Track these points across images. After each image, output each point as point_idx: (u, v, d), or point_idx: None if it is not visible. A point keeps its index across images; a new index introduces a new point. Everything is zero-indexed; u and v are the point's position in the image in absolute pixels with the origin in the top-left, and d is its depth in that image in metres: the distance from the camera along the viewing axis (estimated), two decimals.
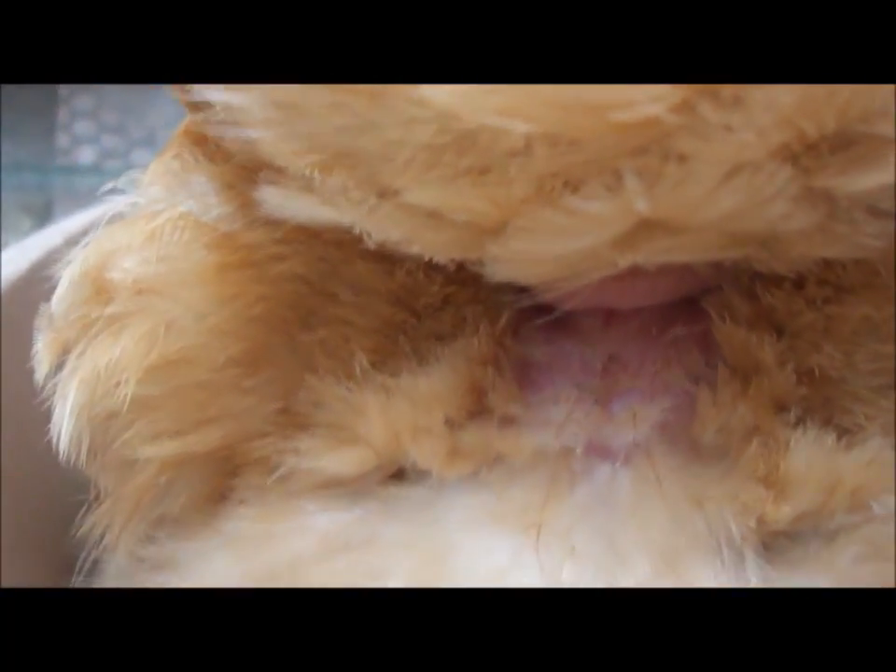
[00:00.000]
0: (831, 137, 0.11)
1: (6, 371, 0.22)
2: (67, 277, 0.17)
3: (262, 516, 0.15)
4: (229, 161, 0.16)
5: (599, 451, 0.14)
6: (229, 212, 0.16)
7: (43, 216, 0.70)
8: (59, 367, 0.17)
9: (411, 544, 0.14)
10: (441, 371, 0.15)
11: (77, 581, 0.17)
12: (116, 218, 0.17)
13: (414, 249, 0.13)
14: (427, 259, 0.13)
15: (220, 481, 0.16)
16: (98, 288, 0.16)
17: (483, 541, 0.14)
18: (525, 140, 0.11)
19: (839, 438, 0.14)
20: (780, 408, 0.14)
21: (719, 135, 0.11)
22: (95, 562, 0.18)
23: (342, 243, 0.14)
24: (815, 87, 0.11)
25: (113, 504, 0.17)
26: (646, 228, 0.12)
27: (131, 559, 0.16)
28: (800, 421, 0.14)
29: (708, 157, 0.11)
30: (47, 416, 0.17)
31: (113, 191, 0.18)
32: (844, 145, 0.12)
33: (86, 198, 0.24)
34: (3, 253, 0.25)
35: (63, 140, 0.76)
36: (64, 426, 0.17)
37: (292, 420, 0.16)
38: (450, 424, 0.15)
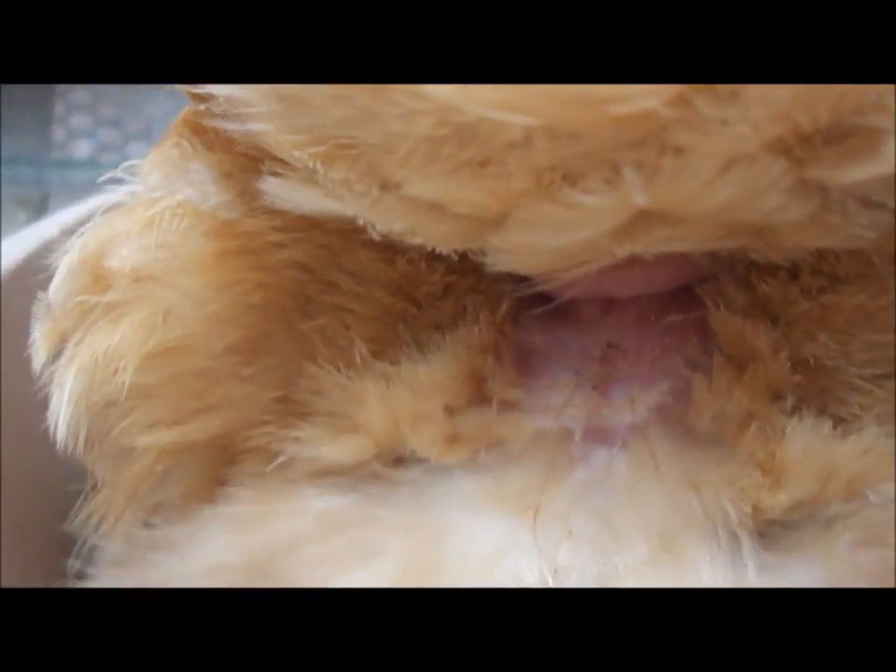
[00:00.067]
0: (825, 130, 0.12)
1: (2, 361, 0.22)
2: (65, 265, 0.17)
3: (260, 498, 0.15)
4: (228, 150, 0.16)
5: (597, 436, 0.15)
6: (227, 200, 0.16)
7: (39, 209, 0.69)
8: (56, 356, 0.17)
9: (407, 524, 0.14)
10: (442, 359, 0.15)
11: (74, 565, 0.17)
12: (113, 209, 0.17)
13: (418, 240, 0.13)
14: (429, 249, 0.13)
15: (218, 469, 0.16)
16: (96, 276, 0.16)
17: (480, 522, 0.14)
18: (524, 132, 0.12)
19: (835, 427, 0.14)
20: (775, 396, 0.14)
21: (715, 129, 0.11)
22: (92, 547, 0.18)
23: (343, 231, 0.14)
24: None
25: (109, 493, 0.18)
26: (643, 219, 0.12)
27: (127, 542, 0.16)
28: (796, 409, 0.14)
29: (705, 150, 0.11)
30: (44, 406, 0.17)
31: (111, 181, 0.18)
32: (838, 137, 0.12)
33: (82, 192, 0.24)
34: None
35: (59, 134, 0.75)
36: (62, 414, 0.17)
37: (291, 408, 0.16)
38: (449, 411, 0.15)
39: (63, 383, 0.17)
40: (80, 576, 0.17)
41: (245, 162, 0.15)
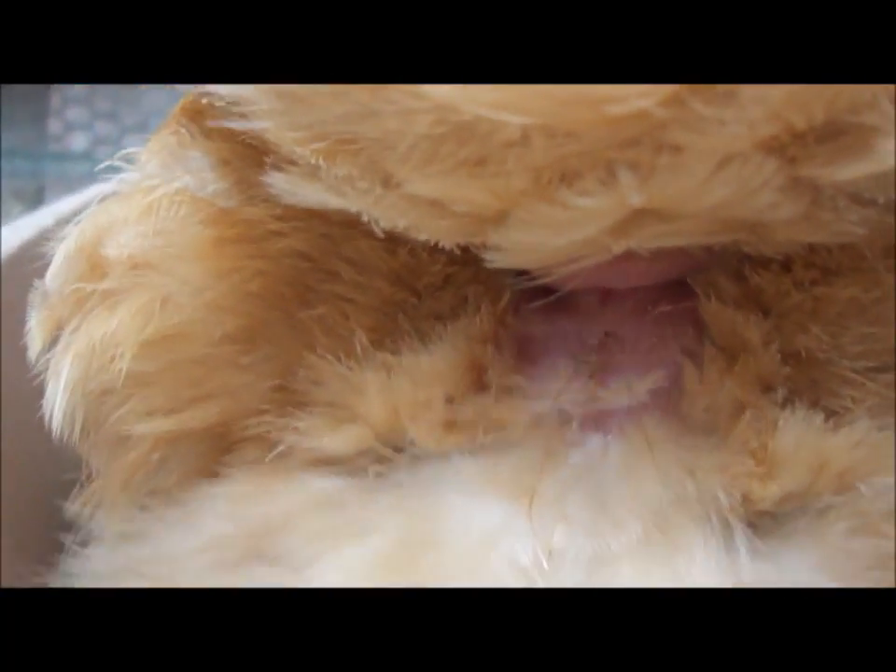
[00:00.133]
0: (819, 128, 0.12)
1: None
2: (62, 253, 0.17)
3: (258, 480, 0.15)
4: (226, 138, 0.16)
5: (594, 422, 0.15)
6: (225, 188, 0.16)
7: (35, 202, 0.69)
8: (52, 344, 0.17)
9: (404, 505, 0.14)
10: (443, 349, 0.15)
11: (69, 543, 0.17)
12: (110, 197, 0.17)
13: (422, 236, 0.13)
14: (432, 243, 0.14)
15: (215, 458, 0.16)
16: (93, 264, 0.16)
17: (477, 505, 0.14)
18: (522, 131, 0.12)
19: (827, 419, 0.14)
20: (766, 387, 0.14)
21: (709, 128, 0.11)
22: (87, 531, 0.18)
23: (345, 220, 0.14)
24: None
25: (105, 481, 0.17)
26: (639, 216, 0.12)
27: (124, 522, 0.16)
28: (788, 401, 0.14)
29: (700, 148, 0.12)
30: (40, 395, 0.17)
31: (108, 170, 0.18)
32: (831, 135, 0.12)
33: (78, 184, 0.24)
34: None
35: (55, 126, 0.75)
36: (58, 402, 0.17)
37: (290, 398, 0.16)
38: (449, 401, 0.15)
39: (60, 371, 0.17)
40: (75, 552, 0.17)
41: (242, 150, 0.15)
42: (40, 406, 0.17)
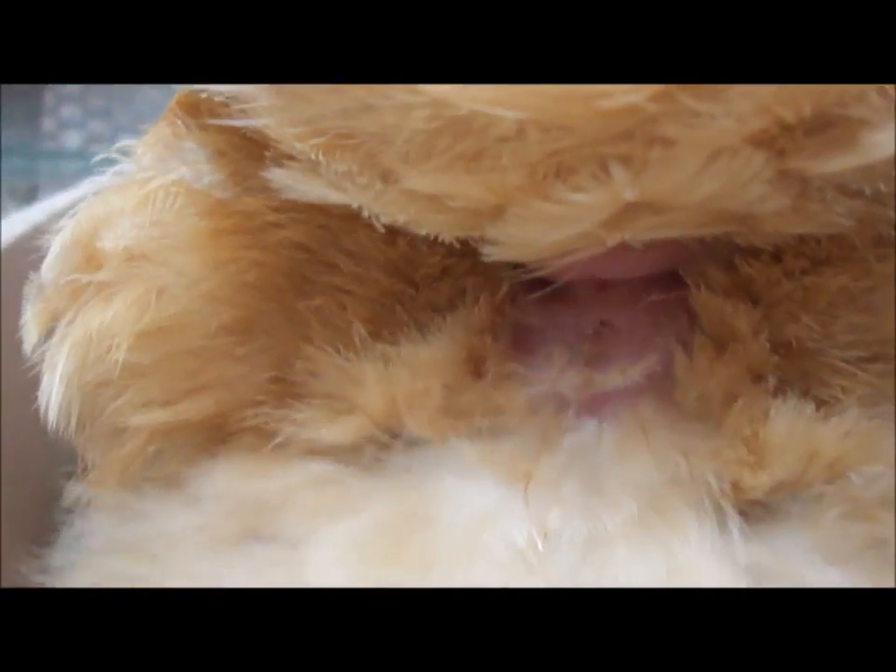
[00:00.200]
0: (807, 121, 0.12)
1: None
2: (58, 244, 0.17)
3: (256, 461, 0.15)
4: (221, 129, 0.16)
5: (589, 408, 0.15)
6: (220, 179, 0.16)
7: (28, 200, 0.69)
8: (47, 337, 0.17)
9: (400, 483, 0.14)
10: (441, 340, 0.15)
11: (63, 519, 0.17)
12: (106, 189, 0.17)
13: (422, 231, 0.14)
14: (432, 237, 0.14)
15: (212, 450, 0.16)
16: (88, 256, 0.16)
17: (473, 486, 0.14)
18: (516, 126, 0.12)
19: (817, 409, 0.14)
20: (756, 376, 0.15)
21: (699, 122, 0.12)
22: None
23: (344, 212, 0.14)
24: None
25: (100, 473, 0.18)
26: (632, 210, 0.12)
27: (120, 501, 0.16)
28: (779, 391, 0.14)
29: (690, 142, 0.12)
30: (33, 388, 0.17)
31: (103, 163, 0.18)
32: (820, 128, 0.12)
33: (72, 182, 0.24)
34: None
35: (49, 124, 0.75)
36: (54, 394, 0.17)
37: (287, 389, 0.16)
38: (447, 391, 0.15)
39: (55, 363, 0.17)
40: (69, 523, 0.17)
41: (238, 142, 0.15)
42: (36, 399, 0.17)
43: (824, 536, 0.13)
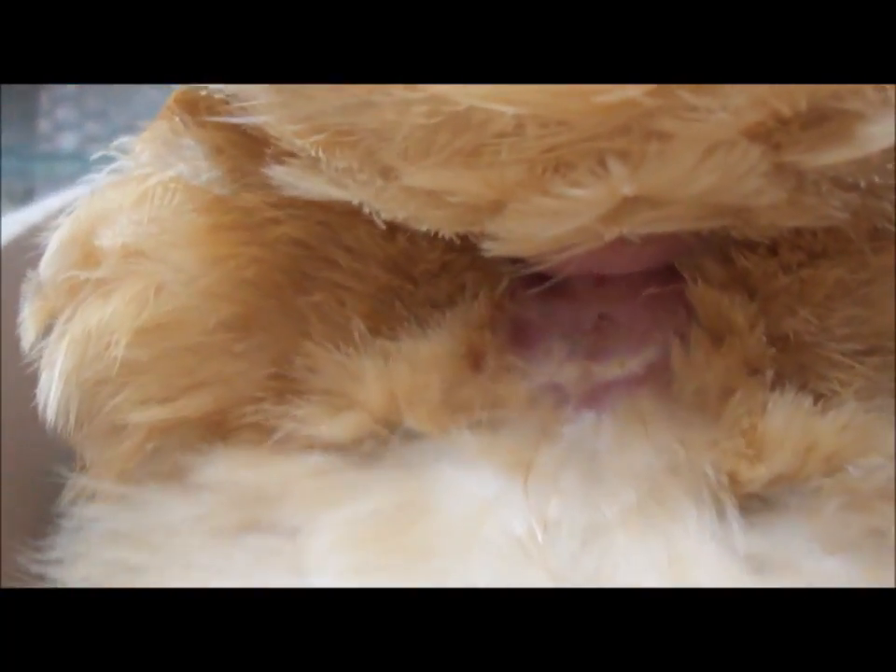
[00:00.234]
0: (803, 114, 0.12)
1: None
2: (56, 241, 0.17)
3: (256, 454, 0.15)
4: (219, 126, 0.16)
5: (589, 399, 0.15)
6: (218, 176, 0.16)
7: (25, 202, 0.69)
8: (45, 335, 0.17)
9: (400, 473, 0.14)
10: (441, 335, 0.15)
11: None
12: (104, 186, 0.17)
13: (422, 227, 0.14)
14: (432, 233, 0.14)
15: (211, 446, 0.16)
16: (86, 253, 0.16)
17: (473, 476, 0.14)
18: (515, 121, 0.12)
19: (815, 402, 0.14)
20: (753, 370, 0.15)
21: (696, 116, 0.12)
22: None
23: (344, 208, 0.14)
24: None
25: (98, 472, 0.17)
26: (630, 204, 0.12)
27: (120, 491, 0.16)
28: (777, 384, 0.14)
29: (687, 136, 0.12)
30: (31, 386, 0.17)
31: (101, 160, 0.18)
32: (815, 121, 0.12)
33: (68, 184, 0.24)
34: None
35: (44, 126, 0.75)
36: (52, 391, 0.17)
37: (286, 386, 0.16)
38: (447, 385, 0.15)
39: (54, 360, 0.17)
40: (69, 515, 0.17)
41: (236, 139, 0.15)
42: (34, 396, 0.17)
43: (823, 526, 0.13)
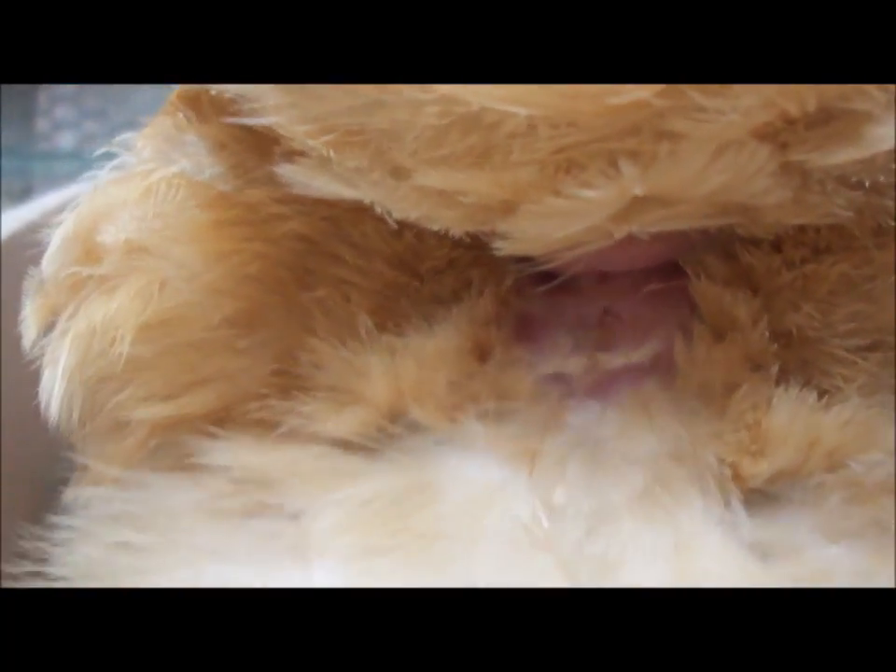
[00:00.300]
0: (810, 114, 0.12)
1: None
2: (58, 237, 0.17)
3: (260, 441, 0.15)
4: (223, 124, 0.16)
5: (594, 391, 0.15)
6: (221, 172, 0.16)
7: (22, 201, 0.68)
8: (47, 332, 0.17)
9: (406, 458, 0.14)
10: (447, 331, 0.15)
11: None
12: (106, 182, 0.17)
13: (434, 227, 0.14)
14: (443, 232, 0.14)
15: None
16: (88, 249, 0.16)
17: (479, 462, 0.14)
18: (527, 122, 0.12)
19: (819, 398, 0.14)
20: (756, 365, 0.15)
21: (706, 116, 0.12)
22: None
23: (352, 205, 0.14)
24: None
25: (101, 469, 0.17)
26: (640, 203, 0.13)
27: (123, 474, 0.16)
28: (782, 380, 0.15)
29: (697, 137, 0.12)
30: (32, 385, 0.17)
31: (102, 157, 0.18)
32: (822, 121, 0.12)
33: (66, 183, 0.24)
34: None
35: (43, 125, 0.75)
36: (55, 389, 0.17)
37: (291, 382, 0.16)
38: (454, 381, 0.15)
39: (57, 357, 0.17)
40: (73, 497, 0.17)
41: (240, 134, 0.15)
42: (36, 394, 0.17)
43: (825, 517, 0.13)
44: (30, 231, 0.18)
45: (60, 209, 0.17)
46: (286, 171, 0.14)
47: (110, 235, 0.16)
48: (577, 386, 0.15)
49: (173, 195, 0.16)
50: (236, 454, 0.15)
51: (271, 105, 0.13)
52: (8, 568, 0.15)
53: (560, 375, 0.15)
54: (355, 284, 0.16)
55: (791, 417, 0.14)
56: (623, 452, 0.14)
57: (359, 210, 0.14)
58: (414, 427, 0.15)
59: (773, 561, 0.13)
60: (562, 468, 0.14)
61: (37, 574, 0.15)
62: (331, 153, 0.13)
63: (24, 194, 0.71)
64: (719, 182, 0.12)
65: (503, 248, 0.13)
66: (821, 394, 0.15)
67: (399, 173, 0.13)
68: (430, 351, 0.15)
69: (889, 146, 0.12)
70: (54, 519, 0.15)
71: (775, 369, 0.14)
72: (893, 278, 0.14)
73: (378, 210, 0.14)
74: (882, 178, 0.13)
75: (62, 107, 0.75)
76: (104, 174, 0.17)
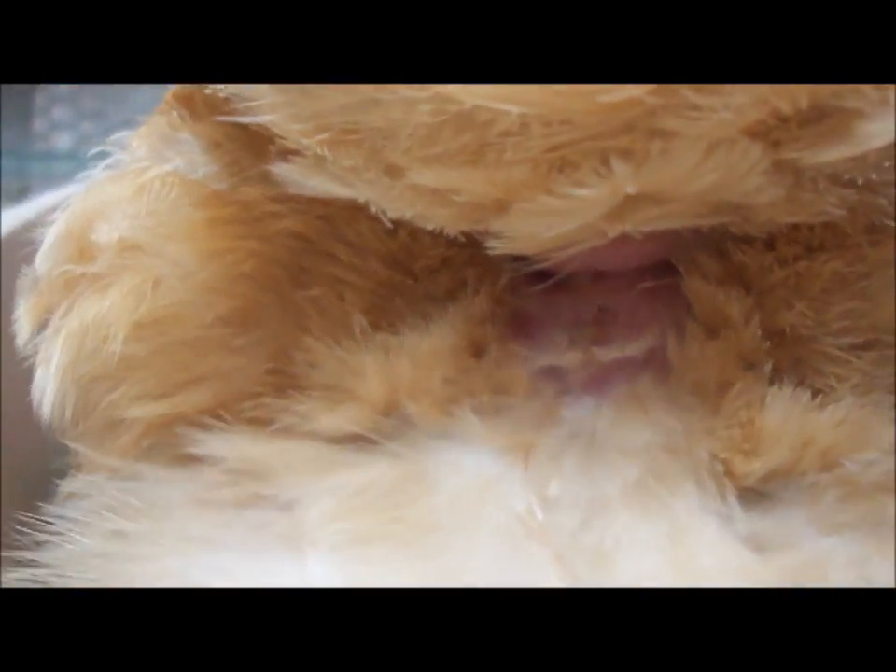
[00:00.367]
0: (802, 112, 0.12)
1: None
2: (52, 235, 0.17)
3: (255, 434, 0.15)
4: (217, 122, 0.16)
5: (589, 387, 0.15)
6: (215, 170, 0.16)
7: (20, 201, 0.68)
8: (40, 331, 0.17)
9: (401, 449, 0.14)
10: (442, 329, 0.15)
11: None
12: (100, 180, 0.17)
13: (429, 225, 0.14)
14: (438, 230, 0.14)
15: None
16: (82, 247, 0.16)
17: (474, 454, 0.14)
18: (520, 120, 0.12)
19: (813, 398, 0.14)
20: (748, 364, 0.15)
21: (699, 114, 0.12)
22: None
23: (346, 203, 0.14)
24: None
25: (93, 469, 0.17)
26: (632, 202, 0.13)
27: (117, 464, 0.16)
28: (775, 379, 0.15)
29: (689, 135, 0.12)
30: (25, 384, 0.17)
31: (97, 156, 0.18)
32: (814, 118, 0.12)
33: (63, 183, 0.24)
34: None
35: (40, 125, 0.75)
36: (48, 387, 0.17)
37: (286, 381, 0.16)
38: (450, 379, 0.15)
39: (50, 356, 0.16)
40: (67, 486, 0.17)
41: (234, 133, 0.15)
42: (30, 392, 0.17)
43: (820, 512, 0.13)
44: (27, 230, 0.18)
45: (59, 205, 0.17)
46: (280, 170, 0.14)
47: (104, 233, 0.16)
48: (572, 381, 0.15)
49: (166, 193, 0.16)
50: (231, 445, 0.15)
51: (265, 103, 0.13)
52: (6, 553, 0.15)
53: (555, 370, 0.15)
54: (349, 282, 0.16)
55: (784, 416, 0.14)
56: (618, 444, 0.14)
57: (354, 209, 0.14)
58: (410, 423, 0.15)
59: (768, 553, 0.13)
60: (557, 461, 0.14)
61: (32, 562, 0.15)
62: (326, 152, 0.13)
63: (21, 194, 0.71)
64: (711, 180, 0.12)
65: (497, 247, 0.13)
66: (815, 393, 0.15)
67: (393, 171, 0.13)
68: (425, 349, 0.15)
69: (881, 143, 0.12)
70: (49, 508, 0.15)
71: (768, 367, 0.14)
72: (887, 275, 0.14)
73: (373, 209, 0.14)
74: (874, 176, 0.13)
75: (59, 108, 0.75)
76: (98, 172, 0.17)
